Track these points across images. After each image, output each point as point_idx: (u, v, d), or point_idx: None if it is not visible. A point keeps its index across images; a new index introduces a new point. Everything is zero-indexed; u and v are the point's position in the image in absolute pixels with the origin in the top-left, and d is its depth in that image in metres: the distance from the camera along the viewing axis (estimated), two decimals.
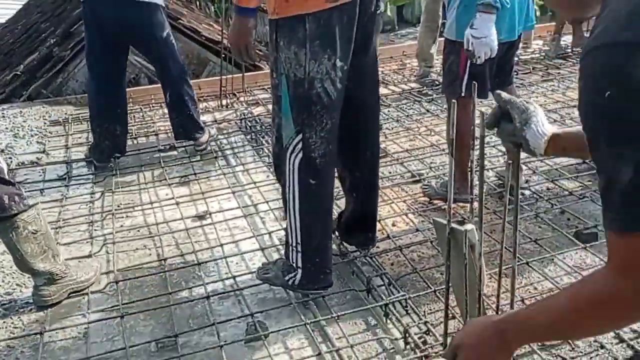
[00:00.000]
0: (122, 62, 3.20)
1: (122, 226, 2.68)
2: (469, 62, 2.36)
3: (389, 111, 3.93)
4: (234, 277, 2.22)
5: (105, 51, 3.06)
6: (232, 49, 2.01)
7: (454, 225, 1.49)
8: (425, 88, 4.24)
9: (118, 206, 2.85)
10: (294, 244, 1.96)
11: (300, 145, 1.85)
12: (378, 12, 1.92)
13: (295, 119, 1.83)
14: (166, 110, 3.68)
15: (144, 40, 3.13)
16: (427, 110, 3.88)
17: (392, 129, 3.65)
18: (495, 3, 2.14)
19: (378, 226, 2.51)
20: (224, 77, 4.08)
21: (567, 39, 4.98)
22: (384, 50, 5.28)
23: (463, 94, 2.41)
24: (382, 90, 4.31)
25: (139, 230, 2.63)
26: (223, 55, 4.12)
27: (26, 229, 1.99)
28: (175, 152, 3.43)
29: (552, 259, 2.25)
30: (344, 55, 1.81)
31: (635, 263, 0.75)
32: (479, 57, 2.24)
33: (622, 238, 0.76)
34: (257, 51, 4.42)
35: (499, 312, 1.66)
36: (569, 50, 4.82)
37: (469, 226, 1.48)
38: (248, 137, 3.58)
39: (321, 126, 1.84)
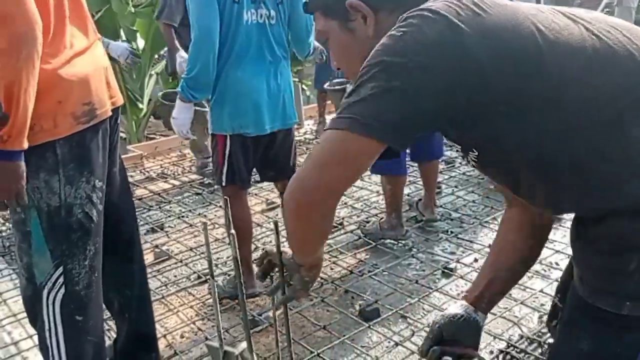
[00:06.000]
0: None
1: None
2: (226, 152, 2.41)
3: (170, 207, 3.79)
4: None
5: None
6: None
7: (226, 347, 1.39)
8: (206, 179, 4.19)
9: None
10: None
11: (61, 280, 1.62)
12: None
13: (53, 252, 1.59)
14: None
15: None
16: (210, 202, 3.82)
17: (175, 226, 3.50)
18: (181, 95, 2.38)
19: (164, 341, 2.33)
20: None
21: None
22: (163, 143, 5.18)
23: (224, 183, 2.45)
24: (162, 185, 4.18)
25: None
26: None
27: None
28: None
29: (342, 343, 2.28)
30: (102, 173, 1.67)
31: None
32: (176, 133, 2.58)
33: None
34: None
35: None
36: None
37: (242, 345, 1.40)
38: (6, 258, 3.12)
39: (84, 254, 1.64)
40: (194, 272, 2.91)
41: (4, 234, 3.37)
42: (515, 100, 0.90)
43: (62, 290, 1.63)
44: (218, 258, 3.05)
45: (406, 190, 3.66)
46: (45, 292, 1.62)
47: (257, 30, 2.34)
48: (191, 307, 2.60)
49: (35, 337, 2.29)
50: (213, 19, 2.24)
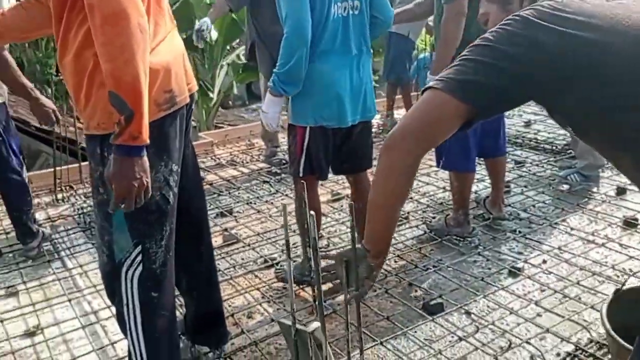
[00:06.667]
0: None
1: None
2: (305, 144, 2.44)
3: (239, 193, 3.90)
4: None
5: None
6: (127, 201, 1.51)
7: (299, 326, 1.44)
8: (273, 167, 4.29)
9: None
10: None
11: (139, 258, 1.70)
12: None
13: (133, 232, 1.68)
14: None
15: None
16: (277, 190, 3.90)
17: (243, 211, 3.60)
18: (273, 88, 2.37)
19: (232, 320, 2.42)
20: (58, 168, 3.80)
21: (400, 113, 5.41)
22: (232, 131, 5.33)
23: (301, 174, 2.47)
24: (232, 172, 4.31)
25: None
26: (57, 145, 3.84)
27: None
28: (0, 259, 3.05)
29: (405, 334, 2.29)
30: (178, 157, 1.74)
31: None
32: (264, 125, 2.57)
33: None
34: None
35: None
36: None
37: (314, 325, 1.44)
38: (87, 233, 3.31)
39: (162, 234, 1.72)
40: (261, 256, 2.99)
41: (85, 210, 3.57)
42: (582, 87, 1.07)
43: (140, 268, 1.71)
44: (284, 244, 3.11)
45: (474, 188, 3.61)
46: (124, 269, 1.71)
47: (342, 23, 2.36)
48: (258, 289, 2.69)
49: (113, 308, 2.43)
50: (305, 13, 2.25)
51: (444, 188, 3.71)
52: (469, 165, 2.99)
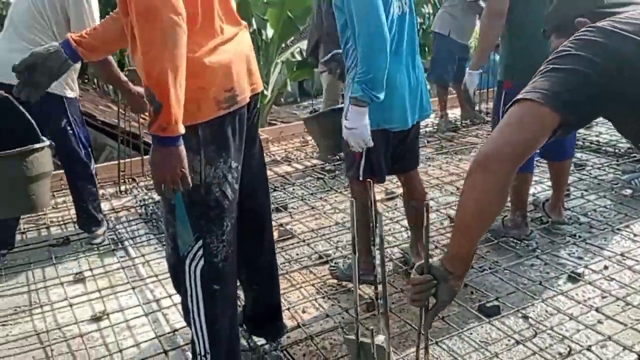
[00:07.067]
0: None
1: (7, 335, 2.42)
2: (365, 147, 2.43)
3: (293, 189, 3.96)
4: None
5: None
6: (166, 187, 1.54)
7: (363, 339, 1.45)
8: (327, 164, 4.32)
9: (3, 312, 2.59)
10: (202, 353, 1.84)
11: (200, 252, 1.76)
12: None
13: (194, 226, 1.73)
14: (59, 200, 3.55)
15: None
16: (331, 187, 3.94)
17: (297, 207, 3.65)
18: (362, 98, 2.19)
19: (288, 314, 2.46)
20: (122, 161, 3.95)
21: (455, 113, 5.35)
22: (287, 128, 5.40)
23: (361, 178, 2.46)
24: (286, 168, 4.38)
25: (27, 339, 2.39)
26: (121, 139, 4.00)
27: None
28: (68, 247, 3.21)
29: (460, 336, 2.28)
30: (238, 155, 1.78)
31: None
32: (353, 146, 2.31)
33: None
34: None
35: None
36: (458, 124, 5.15)
37: (380, 338, 1.45)
38: (149, 224, 3.44)
39: (222, 230, 1.77)
40: (315, 252, 3.03)
41: (147, 202, 3.71)
42: None
43: (202, 262, 1.76)
44: (338, 241, 3.15)
45: (532, 190, 3.55)
46: (187, 261, 1.77)
47: (398, 23, 2.34)
48: (312, 284, 2.73)
49: (174, 297, 2.53)
50: (380, 11, 2.18)
51: None
52: (526, 165, 2.92)
